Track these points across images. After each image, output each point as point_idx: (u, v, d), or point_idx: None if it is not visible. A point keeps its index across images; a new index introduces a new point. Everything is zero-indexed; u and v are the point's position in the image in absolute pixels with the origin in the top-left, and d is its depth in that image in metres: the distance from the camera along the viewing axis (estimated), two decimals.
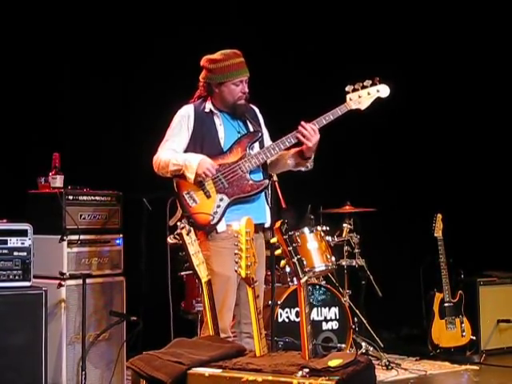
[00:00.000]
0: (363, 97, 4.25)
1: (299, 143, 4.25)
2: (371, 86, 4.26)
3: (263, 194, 4.28)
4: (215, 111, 4.29)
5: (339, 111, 4.23)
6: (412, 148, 7.48)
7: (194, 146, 4.23)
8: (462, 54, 7.28)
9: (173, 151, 4.20)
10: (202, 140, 4.23)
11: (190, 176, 4.10)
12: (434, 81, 7.34)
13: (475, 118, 7.29)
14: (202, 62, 4.31)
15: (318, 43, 7.19)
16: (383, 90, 4.27)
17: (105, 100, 6.15)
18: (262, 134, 4.35)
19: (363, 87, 4.25)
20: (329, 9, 7.20)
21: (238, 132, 4.30)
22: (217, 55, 4.27)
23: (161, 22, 6.43)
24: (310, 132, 4.18)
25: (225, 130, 4.28)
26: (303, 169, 4.38)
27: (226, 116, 4.31)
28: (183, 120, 4.26)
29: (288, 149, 4.30)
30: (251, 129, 4.33)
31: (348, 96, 4.25)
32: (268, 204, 4.31)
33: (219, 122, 4.28)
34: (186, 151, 4.24)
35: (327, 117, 4.22)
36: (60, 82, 5.97)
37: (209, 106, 4.30)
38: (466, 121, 7.31)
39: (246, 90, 4.28)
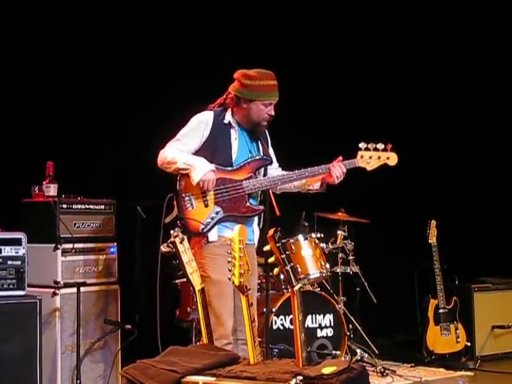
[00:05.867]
0: (373, 159, 4.35)
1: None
2: (383, 150, 4.35)
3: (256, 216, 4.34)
4: (233, 124, 4.30)
5: (348, 165, 4.32)
6: (406, 154, 7.46)
7: (205, 153, 4.23)
8: (453, 59, 7.33)
9: (181, 152, 4.20)
10: (214, 149, 4.24)
11: (194, 178, 4.11)
12: (429, 90, 7.37)
13: (469, 124, 7.32)
14: (237, 75, 4.28)
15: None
16: (392, 159, 4.40)
17: (99, 108, 6.14)
18: (271, 161, 4.39)
19: (375, 149, 4.34)
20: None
21: (250, 151, 4.33)
22: (253, 72, 4.25)
23: (157, 32, 6.43)
24: (340, 173, 4.29)
25: (238, 145, 4.30)
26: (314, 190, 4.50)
27: (243, 132, 4.33)
28: (200, 126, 4.25)
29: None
30: (261, 152, 4.37)
31: (360, 153, 4.34)
32: (259, 226, 4.37)
33: (235, 135, 4.29)
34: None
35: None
36: (54, 91, 5.97)
37: (228, 117, 4.30)
38: (460, 127, 7.34)
39: (273, 113, 4.28)
